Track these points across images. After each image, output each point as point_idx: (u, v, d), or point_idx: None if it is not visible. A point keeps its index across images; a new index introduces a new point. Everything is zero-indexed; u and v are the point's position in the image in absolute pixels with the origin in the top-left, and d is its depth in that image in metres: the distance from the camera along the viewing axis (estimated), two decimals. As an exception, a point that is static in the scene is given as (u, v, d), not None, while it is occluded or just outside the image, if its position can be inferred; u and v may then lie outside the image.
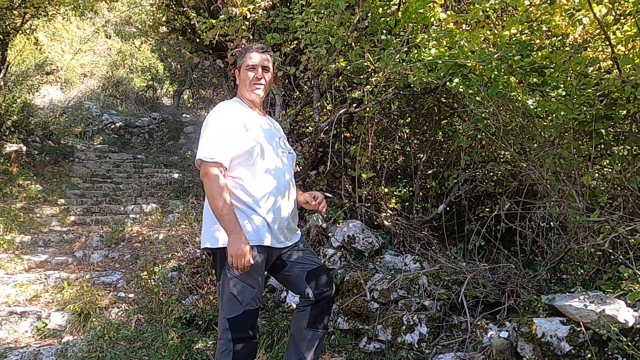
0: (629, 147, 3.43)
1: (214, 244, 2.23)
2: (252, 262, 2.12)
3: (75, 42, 17.58)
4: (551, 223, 3.08)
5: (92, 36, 18.78)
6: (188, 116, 15.00)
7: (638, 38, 3.40)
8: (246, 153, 2.21)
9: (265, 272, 2.39)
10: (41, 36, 15.49)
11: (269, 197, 2.26)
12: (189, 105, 16.88)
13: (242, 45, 4.75)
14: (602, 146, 3.65)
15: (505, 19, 5.28)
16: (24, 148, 8.88)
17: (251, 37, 4.81)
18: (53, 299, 4.48)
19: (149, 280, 4.49)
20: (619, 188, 3.20)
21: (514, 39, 3.95)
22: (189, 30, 7.98)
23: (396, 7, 4.63)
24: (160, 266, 4.60)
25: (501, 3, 4.62)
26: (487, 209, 4.42)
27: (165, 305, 4.01)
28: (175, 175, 9.51)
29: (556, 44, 3.80)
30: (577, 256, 2.66)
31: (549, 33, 4.05)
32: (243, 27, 4.71)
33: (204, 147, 2.15)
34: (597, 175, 3.49)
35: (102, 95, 16.45)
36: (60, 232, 6.35)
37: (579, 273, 2.70)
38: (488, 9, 4.41)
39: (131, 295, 4.42)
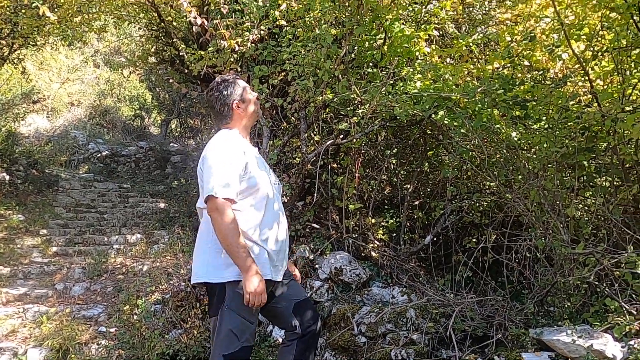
0: (611, 179, 3.49)
1: (214, 279, 2.17)
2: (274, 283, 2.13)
3: (64, 71, 17.61)
4: (537, 254, 3.09)
5: (81, 65, 18.84)
6: (175, 145, 14.97)
7: (615, 73, 3.51)
8: (250, 187, 2.20)
9: None
10: (29, 65, 15.50)
11: (269, 229, 2.25)
12: (177, 134, 16.87)
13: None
14: (585, 178, 3.71)
15: (488, 53, 5.43)
16: (7, 177, 8.75)
17: (239, 69, 4.87)
18: (31, 334, 4.34)
19: (131, 314, 4.38)
20: (602, 219, 3.24)
21: (496, 73, 4.05)
22: (178, 61, 8.06)
23: (382, 41, 4.73)
24: (143, 299, 4.50)
25: (483, 38, 4.77)
26: (473, 240, 4.43)
27: (148, 341, 3.90)
28: (161, 205, 9.41)
29: (537, 78, 3.90)
30: (564, 289, 2.66)
31: (530, 67, 4.16)
32: (231, 59, 4.76)
33: (215, 182, 2.09)
34: (580, 206, 3.53)
35: (89, 124, 16.39)
36: (41, 263, 6.20)
37: (566, 306, 2.69)
38: (471, 44, 4.54)
39: (112, 329, 4.30)
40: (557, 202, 2.95)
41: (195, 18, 4.43)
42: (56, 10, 7.51)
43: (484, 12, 5.72)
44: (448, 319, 2.96)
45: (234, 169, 2.13)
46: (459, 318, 2.94)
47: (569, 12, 3.64)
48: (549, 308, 2.86)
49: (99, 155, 13.36)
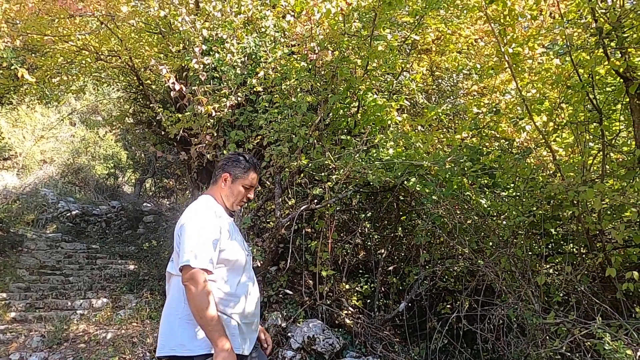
0: (578, 246, 3.58)
1: (183, 352, 2.07)
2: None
3: (38, 128, 17.49)
4: (510, 323, 3.09)
5: (57, 124, 18.78)
6: (149, 205, 14.76)
7: (575, 145, 3.70)
8: (225, 259, 2.15)
9: None
10: (2, 122, 15.37)
11: (241, 300, 2.19)
12: (151, 193, 16.69)
13: (206, 140, 4.85)
14: (553, 245, 3.79)
15: (457, 122, 5.67)
16: (-31, 237, 8.41)
17: (215, 133, 4.94)
18: (-22, 411, 4.01)
19: (91, 388, 4.12)
20: (572, 287, 3.28)
21: (464, 142, 4.21)
22: (155, 122, 8.13)
23: (355, 109, 4.90)
24: (105, 371, 4.25)
25: (452, 109, 4.99)
26: (448, 306, 4.40)
27: (107, 417, 3.65)
28: (131, 267, 9.12)
29: (504, 147, 4.07)
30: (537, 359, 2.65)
31: (497, 137, 4.34)
32: (208, 123, 4.83)
33: (192, 252, 2.03)
34: (551, 271, 3.58)
35: (60, 182, 16.10)
36: (-3, 330, 5.84)
37: (540, 378, 2.67)
38: (440, 114, 4.74)
39: (69, 405, 4.01)
40: (527, 270, 2.99)
41: (174, 84, 4.53)
42: (35, 71, 7.59)
43: (452, 84, 6.03)
44: (423, 392, 2.88)
45: (211, 240, 2.09)
46: (433, 391, 2.86)
47: (530, 87, 3.87)
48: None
49: (69, 214, 13.03)
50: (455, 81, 6.00)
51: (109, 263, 9.39)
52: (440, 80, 5.91)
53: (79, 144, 18.25)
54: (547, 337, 2.63)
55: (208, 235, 2.09)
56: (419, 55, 5.28)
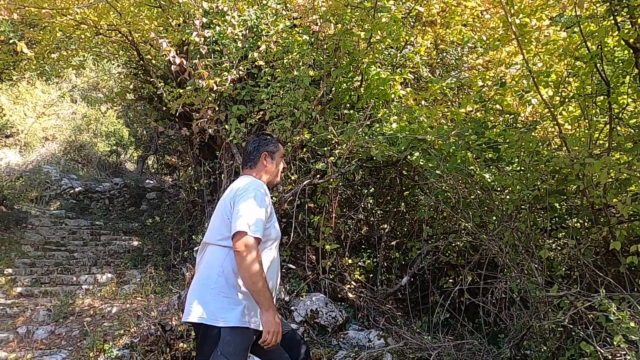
0: (582, 221, 3.56)
1: (213, 322, 2.10)
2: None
3: (39, 105, 17.40)
4: (513, 296, 3.09)
5: (57, 100, 18.67)
6: (151, 182, 14.77)
7: (582, 119, 3.64)
8: (268, 235, 2.24)
9: None
10: (3, 99, 15.30)
11: (272, 275, 2.27)
12: (153, 170, 16.68)
13: (208, 115, 4.81)
14: (557, 219, 3.77)
15: (461, 97, 5.59)
16: (-27, 214, 8.45)
17: (217, 108, 4.89)
18: (-12, 382, 4.09)
19: (97, 360, 4.18)
20: (575, 261, 3.27)
21: (469, 116, 4.16)
22: (156, 98, 8.06)
23: (358, 83, 4.84)
24: (110, 344, 4.31)
25: (457, 82, 4.92)
26: (450, 281, 4.42)
27: (114, 388, 3.71)
28: (135, 243, 9.18)
29: (509, 121, 4.01)
30: (540, 332, 2.65)
31: (502, 111, 4.28)
32: (209, 98, 4.78)
33: (249, 219, 2.10)
34: (554, 246, 3.57)
35: (63, 159, 16.09)
36: (4, 305, 5.91)
37: (542, 350, 2.68)
38: (445, 88, 4.67)
39: (76, 376, 4.08)
40: (531, 244, 2.98)
41: (174, 57, 4.46)
42: (34, 46, 7.50)
43: (457, 57, 5.93)
44: (425, 364, 2.91)
45: (263, 214, 2.17)
46: (436, 363, 2.88)
47: (537, 60, 3.79)
48: (525, 352, 2.83)
49: (72, 191, 13.06)
50: (460, 54, 5.89)
51: (112, 239, 9.44)
52: (444, 54, 5.81)
53: (80, 121, 18.17)
54: (550, 310, 2.63)
55: (263, 211, 2.17)
56: (423, 28, 5.17)
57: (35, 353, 4.58)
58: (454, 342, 3.13)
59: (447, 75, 5.34)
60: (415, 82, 5.29)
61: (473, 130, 3.44)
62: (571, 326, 2.62)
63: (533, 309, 2.66)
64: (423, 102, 4.97)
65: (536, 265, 2.84)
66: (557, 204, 3.78)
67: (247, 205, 2.14)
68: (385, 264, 4.93)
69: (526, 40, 3.75)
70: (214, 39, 4.91)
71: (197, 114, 4.91)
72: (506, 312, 2.99)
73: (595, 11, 3.23)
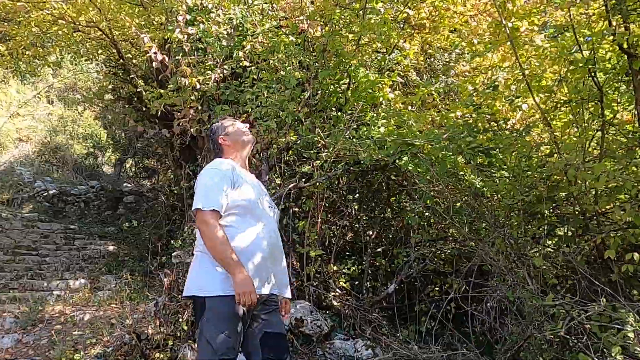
0: (573, 229, 3.49)
1: (198, 293, 2.22)
2: (258, 295, 2.14)
3: (14, 105, 16.89)
4: (506, 306, 3.00)
5: (33, 100, 18.16)
6: (129, 185, 14.41)
7: (573, 125, 3.60)
8: (237, 205, 2.28)
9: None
10: (-25, 98, 14.81)
11: (257, 247, 2.28)
12: (131, 174, 16.30)
13: (190, 115, 4.64)
14: (548, 227, 3.71)
15: (448, 102, 5.54)
16: (-61, 215, 8.05)
17: (200, 108, 4.72)
18: (-54, 394, 3.81)
19: (67, 370, 3.94)
20: (567, 270, 3.20)
21: (459, 121, 4.08)
22: (136, 98, 7.83)
23: (346, 86, 4.73)
24: (81, 353, 4.08)
25: (445, 87, 4.85)
26: (436, 289, 4.32)
27: (84, 401, 3.49)
28: (110, 248, 8.88)
29: (500, 126, 3.95)
30: (536, 343, 2.55)
31: (491, 117, 4.22)
32: (192, 97, 4.61)
33: (200, 198, 2.23)
34: (545, 254, 3.49)
35: (37, 161, 15.61)
36: (-31, 312, 5.59)
37: (538, 361, 2.58)
38: (433, 92, 4.60)
39: (44, 388, 3.84)
40: (524, 251, 2.89)
41: (156, 54, 4.30)
42: (7, 41, 7.22)
43: (444, 63, 5.89)
44: (415, 376, 2.78)
45: (218, 186, 2.25)
46: (426, 374, 2.76)
47: (528, 65, 3.74)
48: (519, 363, 2.74)
49: (46, 194, 12.64)
50: (447, 60, 5.85)
51: (87, 243, 9.12)
52: (432, 59, 5.76)
53: (56, 123, 17.70)
54: (545, 320, 2.54)
55: (214, 181, 2.27)
56: (411, 32, 5.11)
57: (0, 363, 4.32)
58: (446, 353, 3.01)
59: (435, 80, 5.27)
60: (403, 87, 5.22)
61: (466, 134, 3.34)
62: (567, 336, 2.53)
63: (529, 318, 2.57)
64: (410, 107, 4.89)
65: (530, 273, 2.75)
66: (546, 212, 3.72)
67: (198, 187, 2.30)
68: (371, 271, 4.80)
69: (517, 44, 3.70)
70: (197, 36, 4.76)
71: (179, 114, 4.73)
72: (498, 323, 2.89)
73: (588, 17, 3.19)
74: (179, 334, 3.76)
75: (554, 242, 3.68)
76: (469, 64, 5.83)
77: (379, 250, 4.82)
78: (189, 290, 2.29)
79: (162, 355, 3.55)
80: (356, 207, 5.08)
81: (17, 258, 7.81)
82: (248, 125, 2.62)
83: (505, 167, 3.79)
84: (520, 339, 2.60)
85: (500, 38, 3.72)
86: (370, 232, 4.91)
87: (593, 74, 3.26)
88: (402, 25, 4.96)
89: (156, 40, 5.56)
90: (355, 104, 4.40)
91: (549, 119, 3.29)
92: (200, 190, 2.27)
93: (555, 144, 3.23)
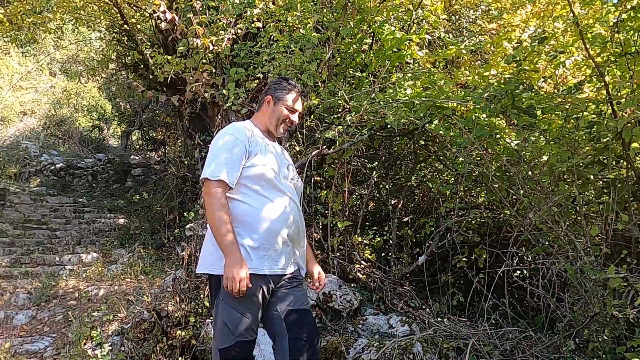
0: (625, 196, 3.21)
1: (211, 270, 2.12)
2: (250, 285, 1.98)
3: (15, 78, 16.55)
4: (561, 280, 2.75)
5: (35, 73, 17.82)
6: (137, 158, 14.20)
7: (627, 81, 3.27)
8: (253, 175, 2.13)
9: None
10: (-24, 71, 14.49)
11: (272, 222, 2.12)
12: (138, 146, 16.05)
13: (204, 80, 4.34)
14: (595, 193, 3.44)
15: (475, 61, 5.19)
16: (-55, 190, 7.88)
17: (214, 71, 4.41)
18: (-39, 374, 3.67)
19: (83, 348, 3.78)
20: (621, 239, 2.94)
21: (494, 80, 3.76)
22: (142, 65, 7.49)
23: (369, 46, 4.40)
24: (98, 330, 3.90)
25: (476, 45, 4.50)
26: (464, 260, 4.08)
27: (103, 381, 3.33)
28: (121, 221, 8.71)
29: (541, 86, 3.63)
30: (602, 321, 2.32)
31: (529, 75, 3.89)
32: (204, 60, 4.30)
33: (208, 166, 2.10)
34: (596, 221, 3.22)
35: (43, 134, 15.39)
36: (-20, 288, 5.45)
37: (602, 340, 2.35)
38: (464, 50, 4.26)
39: (61, 367, 3.69)
40: (581, 220, 2.63)
41: (165, 12, 3.96)
42: (6, 7, 6.86)
43: (470, 21, 5.51)
44: (460, 354, 2.57)
45: (230, 155, 2.10)
46: (473, 354, 2.55)
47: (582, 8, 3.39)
48: (584, 341, 2.51)
49: (53, 167, 12.46)
50: (473, 18, 5.47)
51: (97, 217, 8.97)
52: (457, 17, 5.38)
53: (60, 95, 17.40)
54: (608, 295, 2.29)
55: (225, 149, 2.10)
56: (440, -16, 4.71)
57: (15, 341, 4.17)
58: (494, 330, 2.79)
59: (463, 39, 4.91)
60: (429, 46, 4.86)
61: (510, 93, 3.03)
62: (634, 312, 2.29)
63: (592, 294, 2.33)
64: (439, 66, 4.55)
65: (586, 245, 2.49)
66: (591, 176, 3.44)
67: (209, 154, 2.14)
68: (396, 242, 4.57)
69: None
70: (208, -7, 4.41)
71: (191, 78, 4.42)
72: (554, 298, 2.65)
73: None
74: (200, 310, 3.57)
75: (600, 208, 3.41)
76: (496, 21, 5.45)
77: (405, 219, 4.58)
78: (202, 267, 2.19)
79: (184, 333, 3.36)
80: (376, 175, 4.81)
81: (27, 232, 7.67)
82: (299, 111, 2.35)
83: (547, 128, 3.49)
84: (588, 316, 2.35)
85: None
86: (395, 201, 4.66)
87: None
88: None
89: (164, 2, 5.20)
90: (381, 64, 4.07)
91: (605, 72, 2.96)
92: (210, 158, 2.13)
93: (610, 101, 2.92)
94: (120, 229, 8.16)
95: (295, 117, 2.32)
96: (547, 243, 2.98)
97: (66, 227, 8.20)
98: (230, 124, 2.27)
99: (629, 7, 2.83)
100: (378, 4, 4.28)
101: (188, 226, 5.35)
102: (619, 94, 3.31)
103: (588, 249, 2.57)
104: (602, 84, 2.95)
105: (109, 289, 5.09)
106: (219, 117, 4.85)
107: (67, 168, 12.57)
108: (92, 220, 8.74)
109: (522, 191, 3.44)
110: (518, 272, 3.57)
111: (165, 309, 3.60)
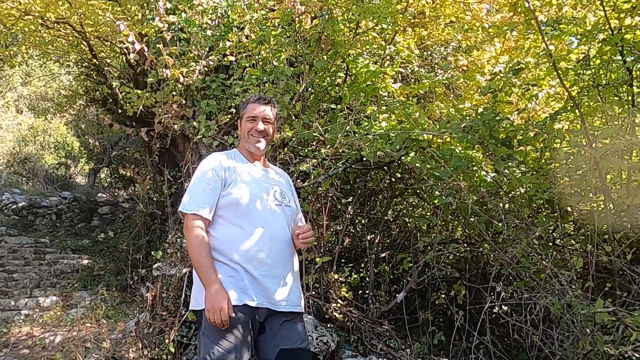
0: (603, 228, 3.17)
1: (195, 306, 2.08)
2: (233, 315, 1.91)
3: (-20, 116, 16.09)
4: (545, 315, 2.64)
5: (1, 110, 17.39)
6: (104, 196, 13.75)
7: (599, 111, 3.29)
8: (227, 204, 2.08)
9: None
10: (-63, 107, 14.01)
11: (256, 251, 2.06)
12: (107, 184, 15.61)
13: (174, 112, 4.21)
14: (573, 224, 3.39)
15: (449, 96, 5.23)
16: None
17: (184, 102, 4.28)
18: None
19: (34, 403, 3.43)
20: (604, 272, 2.87)
21: (470, 111, 3.75)
22: (110, 100, 7.33)
23: (342, 79, 4.37)
24: (52, 382, 3.57)
25: (449, 79, 4.53)
26: (442, 296, 3.94)
27: None
28: (85, 262, 8.29)
29: (518, 119, 3.64)
30: (594, 358, 2.20)
31: (508, 105, 3.91)
32: (174, 92, 4.17)
33: (184, 199, 2.09)
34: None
35: (5, 172, 14.86)
36: None
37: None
38: (438, 84, 4.27)
39: None
40: (564, 253, 2.55)
41: (134, 43, 3.85)
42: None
43: (442, 57, 5.60)
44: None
45: (206, 185, 2.08)
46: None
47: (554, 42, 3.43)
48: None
49: (14, 206, 11.95)
50: (445, 54, 5.56)
51: (59, 258, 8.52)
52: (429, 52, 5.46)
53: (26, 132, 16.96)
54: (598, 331, 2.18)
55: (202, 180, 2.09)
56: (412, 20, 4.78)
57: (-44, 396, 3.77)
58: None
59: (434, 74, 4.95)
60: (402, 80, 4.88)
61: (487, 123, 2.99)
62: (622, 347, 2.18)
63: (580, 329, 2.21)
64: (412, 99, 4.55)
65: (574, 277, 2.40)
66: (569, 208, 3.41)
67: (189, 185, 2.14)
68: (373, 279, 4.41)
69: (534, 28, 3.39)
70: (179, 26, 4.33)
71: (160, 110, 4.28)
72: (539, 335, 2.52)
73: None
74: (165, 357, 3.30)
75: (580, 240, 3.36)
76: (466, 57, 5.55)
77: (383, 255, 4.44)
78: (191, 305, 2.16)
79: (145, 383, 3.08)
80: (351, 210, 4.70)
81: (-20, 275, 7.19)
82: (262, 117, 2.19)
83: (524, 160, 3.46)
84: (575, 355, 2.23)
85: (513, 21, 3.40)
86: (372, 236, 4.53)
87: (622, 54, 2.96)
88: (401, 14, 4.61)
89: (133, 33, 5.11)
90: (355, 97, 4.03)
91: (579, 102, 2.96)
92: (188, 189, 2.13)
93: (585, 131, 2.91)
94: (84, 270, 7.75)
95: (260, 125, 2.20)
96: (527, 277, 2.88)
97: (25, 269, 7.74)
98: (209, 155, 2.24)
99: (597, 41, 2.87)
100: (351, 38, 4.29)
101: (155, 265, 5.07)
102: (592, 125, 3.33)
103: (572, 283, 2.48)
104: (577, 114, 2.94)
105: (66, 335, 4.72)
106: (189, 150, 4.69)
107: (30, 207, 12.07)
108: (53, 261, 8.28)
109: (500, 224, 3.37)
110: (498, 308, 3.46)
111: (126, 356, 3.32)
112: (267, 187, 2.18)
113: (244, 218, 2.08)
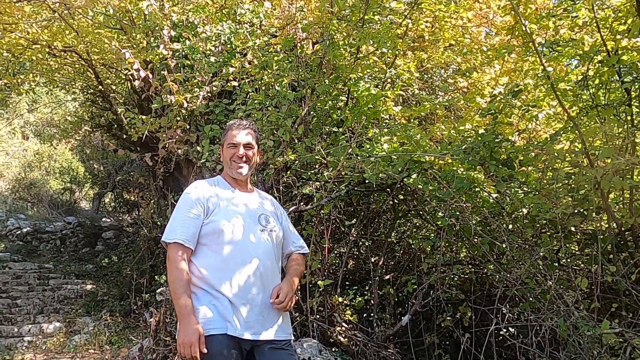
0: (607, 247, 3.16)
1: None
2: (204, 350, 1.87)
3: (-14, 142, 16.28)
4: (551, 337, 2.62)
5: (7, 136, 17.60)
6: (108, 220, 13.79)
7: (598, 132, 3.31)
8: (209, 233, 2.07)
9: None
10: (-55, 134, 14.21)
11: (239, 279, 2.03)
12: (111, 209, 15.67)
13: (178, 137, 4.26)
14: (577, 244, 3.38)
15: (449, 118, 5.27)
16: None
17: (188, 127, 4.34)
18: None
19: None
20: (609, 292, 2.85)
21: (471, 132, 3.79)
22: (115, 125, 7.42)
23: (344, 102, 4.43)
24: (54, 410, 3.53)
25: (450, 101, 4.58)
26: (448, 318, 3.90)
27: None
28: (88, 287, 8.27)
29: (519, 140, 3.66)
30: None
31: (508, 126, 3.94)
32: (178, 117, 4.24)
33: (167, 228, 2.09)
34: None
35: (10, 198, 14.96)
36: None
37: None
38: (438, 106, 4.32)
39: None
40: (569, 273, 2.54)
41: (138, 70, 3.93)
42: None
43: (442, 79, 5.67)
44: None
45: (187, 214, 2.07)
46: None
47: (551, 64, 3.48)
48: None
49: (19, 232, 12.00)
50: (445, 77, 5.63)
51: (63, 283, 8.50)
52: (429, 75, 5.53)
53: (31, 158, 17.13)
54: (605, 353, 2.16)
55: (183, 209, 2.09)
56: (412, 44, 4.86)
57: None
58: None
59: (435, 96, 5.01)
60: (403, 102, 4.94)
61: (488, 145, 3.02)
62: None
63: (587, 351, 2.19)
64: (414, 121, 4.59)
65: (578, 297, 2.39)
66: (572, 228, 3.40)
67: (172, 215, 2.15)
68: (377, 302, 4.38)
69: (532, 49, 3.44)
70: (183, 53, 4.42)
71: (164, 136, 4.33)
72: (548, 355, 2.50)
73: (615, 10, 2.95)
74: (168, 383, 3.27)
75: (584, 260, 3.34)
76: (466, 79, 5.62)
77: (387, 277, 4.42)
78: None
79: (149, 410, 3.04)
80: (355, 232, 4.70)
81: (-16, 302, 7.17)
82: (241, 143, 2.16)
83: (525, 180, 3.48)
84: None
85: (512, 44, 3.46)
86: (376, 259, 4.51)
87: (620, 75, 3.00)
88: (400, 38, 4.70)
89: (138, 60, 5.22)
90: (357, 120, 4.08)
91: (578, 123, 2.99)
92: (170, 219, 2.13)
93: (585, 152, 2.93)
94: (87, 296, 7.73)
95: (240, 151, 2.17)
96: (532, 299, 2.86)
97: (28, 295, 7.72)
98: (195, 181, 2.25)
99: (595, 61, 2.91)
100: (352, 62, 4.36)
101: (159, 290, 5.06)
102: (592, 145, 3.35)
103: (578, 303, 2.47)
104: (577, 134, 2.97)
105: (69, 362, 4.69)
106: (193, 175, 4.73)
107: (34, 232, 12.12)
108: (57, 286, 8.26)
109: (504, 245, 3.37)
110: (504, 330, 3.43)
111: (129, 382, 3.29)
112: (252, 213, 2.16)
113: (227, 246, 2.06)
